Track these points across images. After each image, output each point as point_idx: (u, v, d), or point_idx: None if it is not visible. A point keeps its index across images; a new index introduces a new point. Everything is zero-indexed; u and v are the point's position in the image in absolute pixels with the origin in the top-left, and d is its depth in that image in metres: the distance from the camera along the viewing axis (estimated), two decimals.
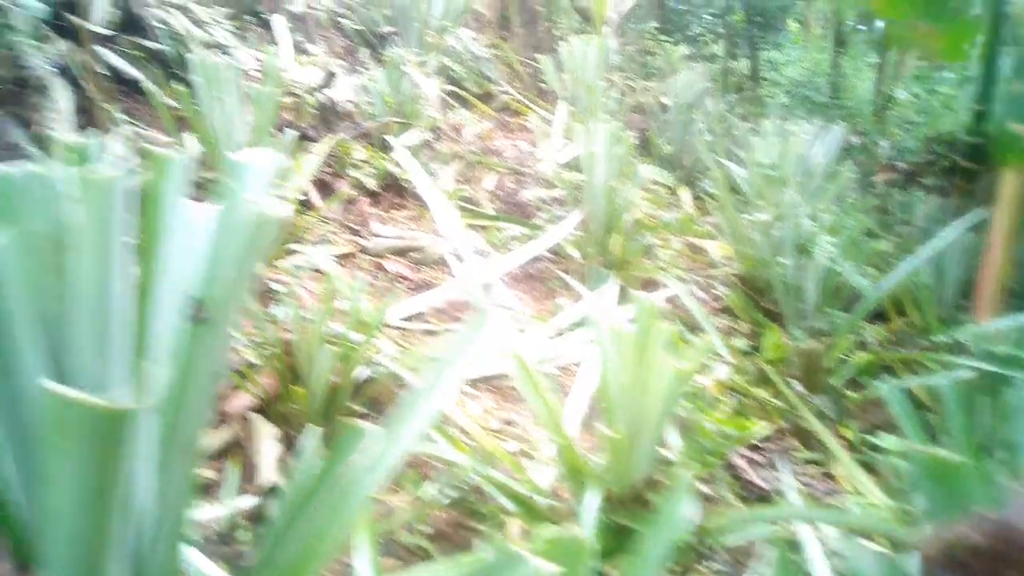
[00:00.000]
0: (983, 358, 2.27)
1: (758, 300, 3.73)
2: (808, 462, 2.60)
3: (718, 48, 10.54)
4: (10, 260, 0.72)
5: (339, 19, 5.34)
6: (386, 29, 5.51)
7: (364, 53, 5.25)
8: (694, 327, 3.25)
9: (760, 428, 1.97)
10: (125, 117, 2.68)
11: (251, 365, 1.93)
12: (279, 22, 4.63)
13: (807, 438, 2.69)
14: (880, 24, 10.61)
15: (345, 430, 1.00)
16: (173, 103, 2.95)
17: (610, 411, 1.84)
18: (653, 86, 7.81)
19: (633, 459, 1.68)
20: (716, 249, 4.46)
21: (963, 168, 5.69)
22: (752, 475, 2.44)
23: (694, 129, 6.28)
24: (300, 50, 4.73)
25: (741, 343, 3.28)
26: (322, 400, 1.94)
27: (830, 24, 12.15)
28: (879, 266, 3.59)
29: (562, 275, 3.39)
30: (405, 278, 3.05)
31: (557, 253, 3.60)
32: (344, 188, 3.42)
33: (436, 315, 2.95)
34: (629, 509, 1.69)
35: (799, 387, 2.84)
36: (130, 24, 2.95)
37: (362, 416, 2.08)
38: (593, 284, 3.31)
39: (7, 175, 0.78)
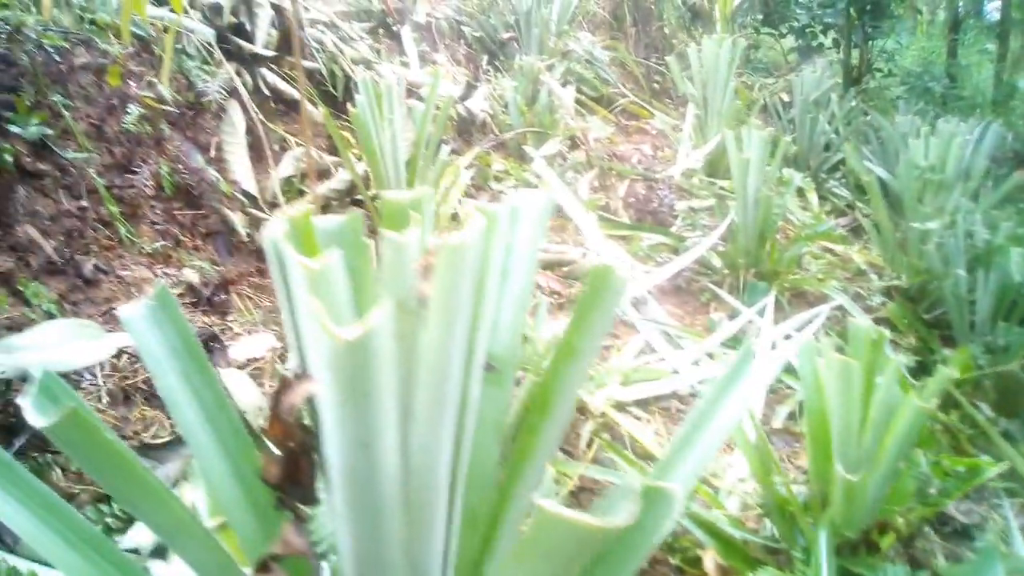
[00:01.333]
0: None
1: (918, 310, 3.52)
2: (1005, 493, 2.42)
3: (826, 39, 10.10)
4: (382, 331, 0.69)
5: (460, 27, 5.35)
6: (505, 35, 5.49)
7: (484, 60, 5.25)
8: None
9: (996, 468, 1.82)
10: (291, 137, 2.73)
11: None
12: (406, 33, 4.67)
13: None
14: (993, 8, 9.97)
15: (652, 493, 0.94)
16: (330, 120, 2.99)
17: (821, 445, 1.74)
18: (769, 83, 7.57)
19: (866, 502, 1.57)
20: (856, 254, 4.25)
21: None
22: (949, 507, 2.28)
23: (819, 128, 6.02)
24: (425, 59, 4.76)
25: (905, 359, 3.09)
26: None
27: (943, 10, 11.52)
28: None
29: (713, 287, 3.28)
30: (557, 293, 3.00)
31: (703, 264, 3.48)
32: (487, 200, 3.39)
33: None
34: (858, 555, 1.58)
35: (987, 410, 2.65)
36: (287, 44, 2.99)
37: None
38: (748, 297, 3.19)
39: (364, 243, 0.75)
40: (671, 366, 2.76)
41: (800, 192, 5.32)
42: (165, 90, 2.41)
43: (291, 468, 0.84)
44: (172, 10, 2.11)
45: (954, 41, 10.02)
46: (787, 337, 3.04)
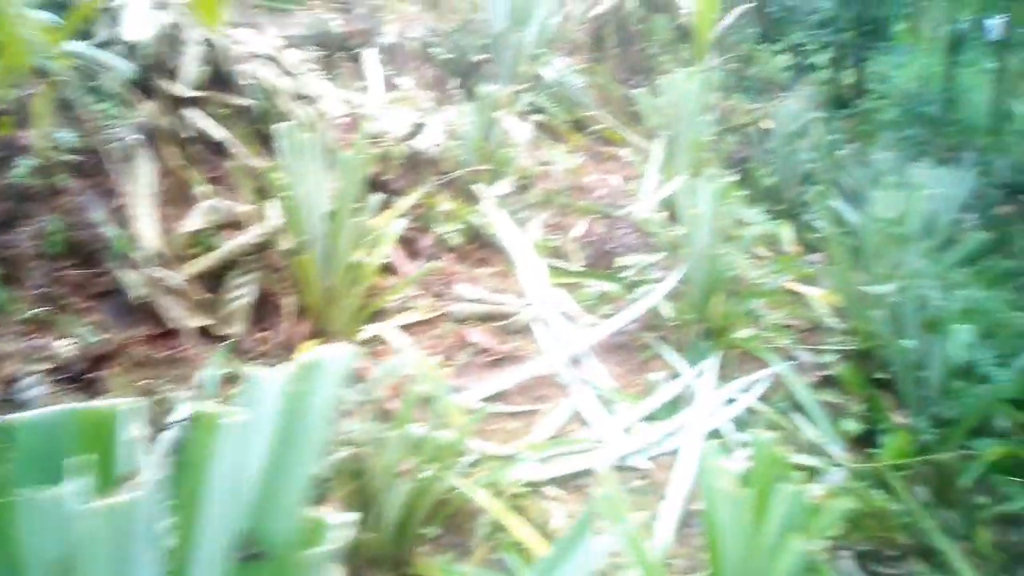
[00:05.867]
0: None
1: (870, 370, 3.40)
2: None
3: (822, 58, 9.95)
4: None
5: (430, 48, 5.22)
6: (479, 58, 5.36)
7: (454, 83, 5.12)
8: (801, 407, 2.97)
9: None
10: (208, 184, 2.61)
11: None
12: (370, 56, 4.55)
13: (933, 558, 2.39)
14: (994, 25, 9.78)
15: None
16: (258, 163, 2.87)
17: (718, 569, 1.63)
18: (754, 108, 7.43)
19: None
20: (820, 298, 4.13)
21: None
22: None
23: (798, 159, 5.91)
24: (390, 84, 4.63)
25: (854, 426, 2.98)
26: (395, 527, 1.79)
27: (942, 29, 11.33)
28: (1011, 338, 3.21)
29: (656, 345, 3.16)
30: (488, 350, 2.88)
31: (654, 317, 3.36)
32: (429, 245, 3.28)
33: (520, 393, 2.77)
34: None
35: (924, 493, 2.54)
36: (219, 81, 2.88)
37: (438, 541, 1.92)
38: (691, 356, 3.07)
39: (11, 505, 0.64)
40: (599, 435, 2.64)
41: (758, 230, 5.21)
42: (68, 136, 2.29)
43: None
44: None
45: (952, 63, 9.86)
46: (730, 401, 2.92)
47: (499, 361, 2.88)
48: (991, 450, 2.76)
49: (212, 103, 2.82)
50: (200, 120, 2.74)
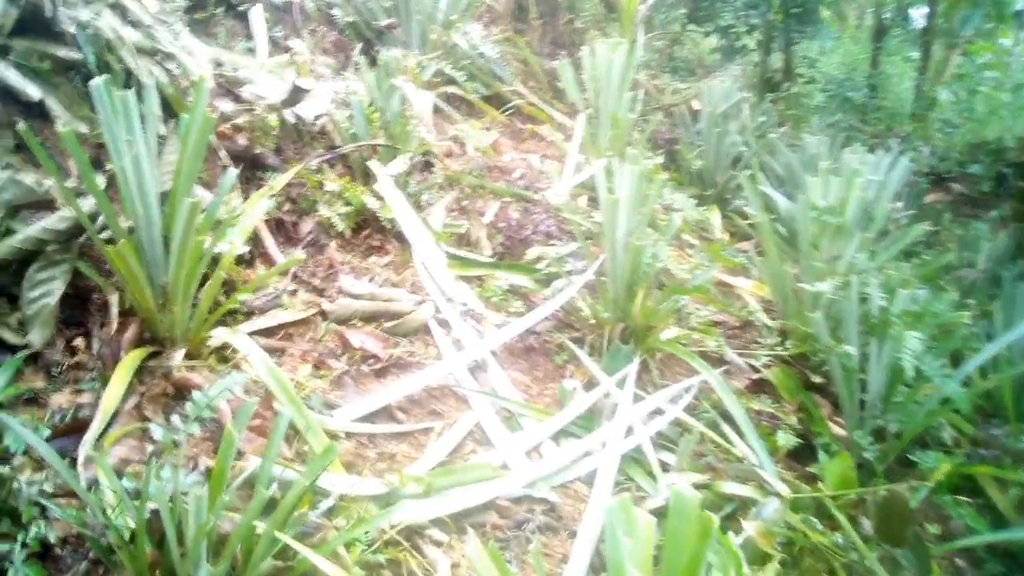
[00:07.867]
0: None
1: (805, 374, 3.10)
2: None
3: (750, 40, 9.74)
4: None
5: (331, 9, 4.70)
6: (385, 22, 4.86)
7: (357, 49, 4.61)
8: (731, 417, 2.63)
9: None
10: (11, 155, 2.07)
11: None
12: (256, 14, 4.01)
13: None
14: (920, 15, 9.78)
15: None
16: (85, 129, 2.35)
17: None
18: (683, 87, 7.12)
19: None
20: (751, 291, 3.82)
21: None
22: None
23: (728, 142, 5.60)
24: (280, 46, 4.11)
25: (788, 439, 2.65)
26: None
27: (868, 16, 11.31)
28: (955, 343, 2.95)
29: (572, 347, 2.77)
30: (375, 356, 2.43)
31: (570, 314, 2.97)
32: (309, 230, 2.81)
33: (410, 408, 2.34)
34: None
35: (869, 524, 2.23)
36: (38, 28, 2.33)
37: None
38: (610, 360, 2.69)
39: None
40: (501, 458, 2.24)
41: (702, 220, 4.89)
42: None
43: None
44: None
45: (877, 50, 9.80)
46: (656, 413, 2.55)
47: (387, 369, 2.43)
48: (939, 468, 2.48)
49: (24, 53, 2.27)
50: (5, 73, 2.19)
